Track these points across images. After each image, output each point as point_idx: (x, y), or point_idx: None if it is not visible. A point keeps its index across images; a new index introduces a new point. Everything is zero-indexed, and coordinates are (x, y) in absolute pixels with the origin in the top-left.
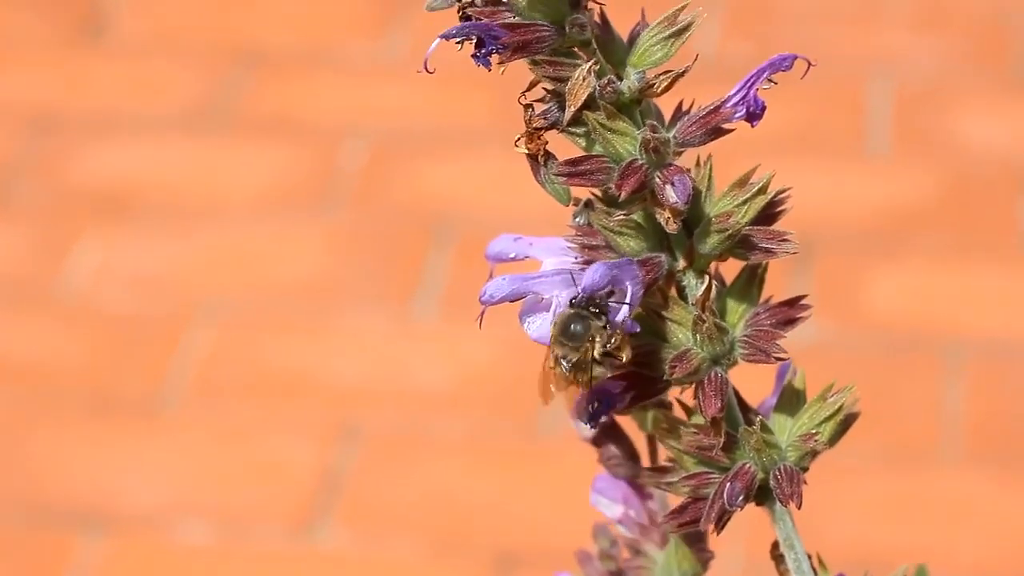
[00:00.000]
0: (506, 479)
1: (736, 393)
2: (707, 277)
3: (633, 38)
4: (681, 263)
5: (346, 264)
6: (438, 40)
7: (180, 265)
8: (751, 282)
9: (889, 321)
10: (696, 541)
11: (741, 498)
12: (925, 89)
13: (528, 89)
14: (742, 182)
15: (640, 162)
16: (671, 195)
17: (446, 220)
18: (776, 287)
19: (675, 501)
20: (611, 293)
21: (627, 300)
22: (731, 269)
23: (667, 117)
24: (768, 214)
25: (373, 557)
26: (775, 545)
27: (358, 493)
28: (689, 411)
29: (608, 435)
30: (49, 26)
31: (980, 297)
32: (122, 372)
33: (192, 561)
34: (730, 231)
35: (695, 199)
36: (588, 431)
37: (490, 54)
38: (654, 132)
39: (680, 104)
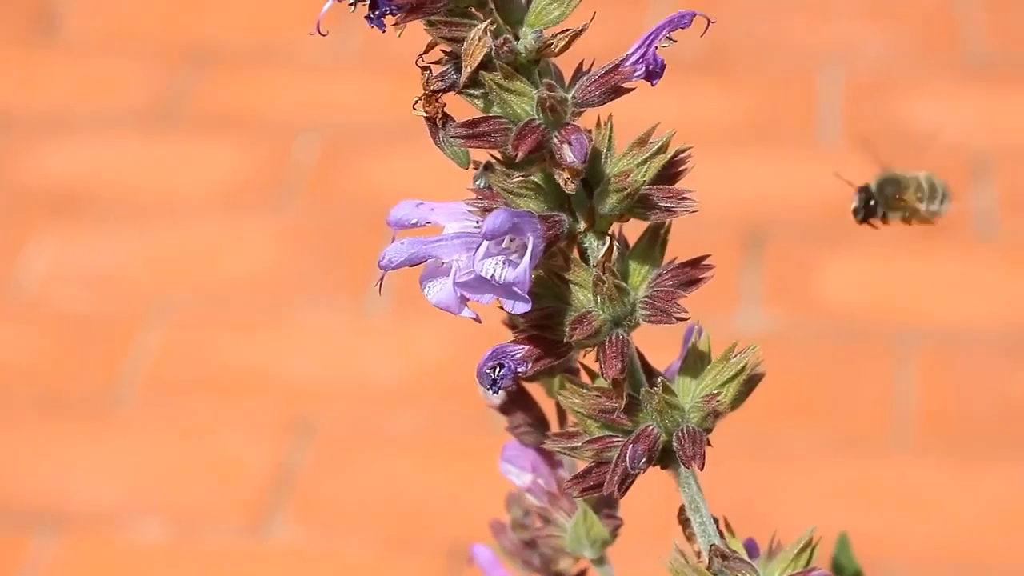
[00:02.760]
0: (458, 473)
1: (640, 356)
2: (608, 238)
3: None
4: (582, 225)
5: (299, 260)
6: (330, 2)
7: (133, 263)
8: (653, 243)
9: (840, 310)
10: (605, 507)
11: (643, 461)
12: (876, 78)
13: (425, 52)
14: (642, 141)
15: (537, 122)
16: (568, 154)
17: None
18: (727, 277)
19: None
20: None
21: (529, 252)
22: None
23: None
24: (669, 173)
25: (327, 552)
26: (681, 509)
27: (311, 489)
28: (593, 375)
29: (516, 403)
30: (1, 26)
31: (931, 285)
32: (75, 370)
33: (146, 559)
34: (628, 190)
35: (594, 159)
36: (496, 398)
37: (384, 15)
38: (551, 91)
39: (580, 64)
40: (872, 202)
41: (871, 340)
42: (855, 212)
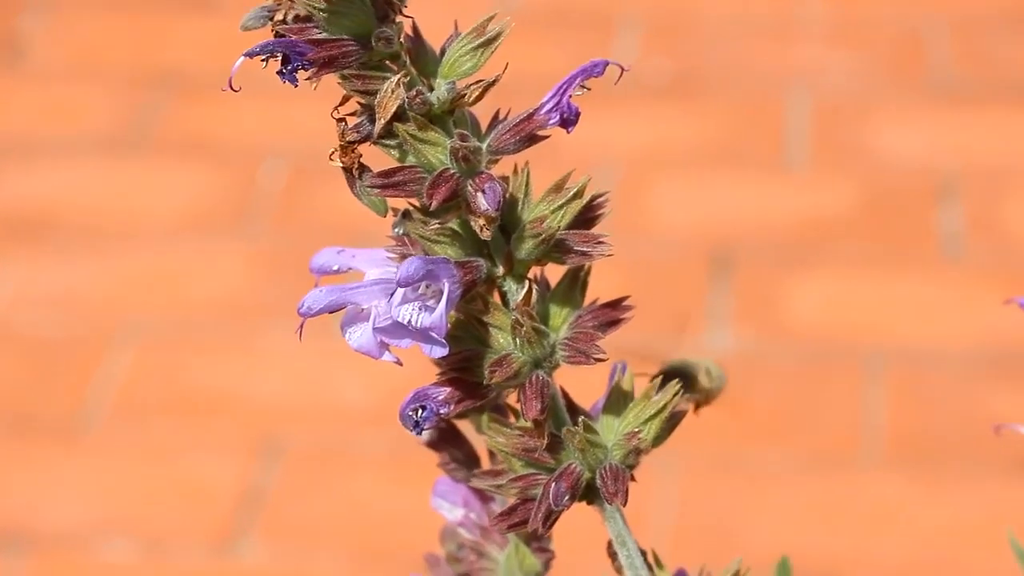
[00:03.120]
0: (427, 492)
1: (565, 395)
2: (527, 282)
3: (444, 50)
4: (501, 269)
5: (266, 283)
6: (242, 58)
7: (100, 287)
8: (573, 286)
9: (809, 330)
10: (535, 540)
11: (567, 498)
12: (842, 102)
13: (341, 104)
14: (558, 187)
15: (452, 171)
16: (482, 202)
17: (366, 238)
18: (696, 299)
19: None
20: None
21: (444, 298)
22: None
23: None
24: (586, 218)
25: (295, 572)
26: (609, 543)
27: (280, 509)
28: (518, 414)
29: (446, 440)
30: None
31: (899, 305)
32: (43, 394)
33: None
34: (543, 235)
35: (512, 205)
36: (425, 436)
37: (295, 70)
38: (464, 141)
39: (497, 112)
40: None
41: (840, 360)
42: None
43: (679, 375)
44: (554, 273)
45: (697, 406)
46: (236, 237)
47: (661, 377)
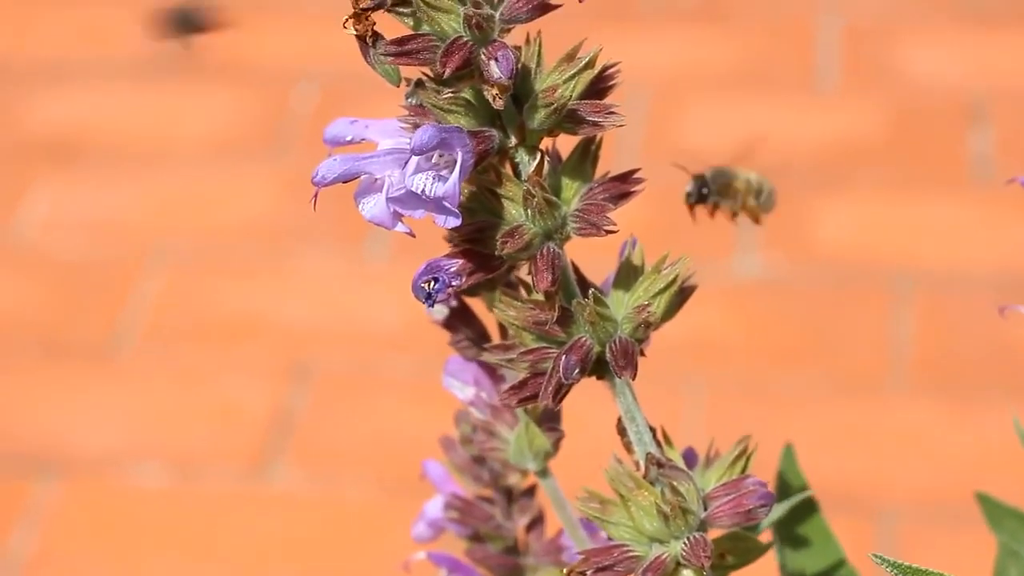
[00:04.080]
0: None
1: (575, 268)
2: (539, 153)
3: None
4: (513, 140)
5: (297, 207)
6: None
7: (131, 210)
8: (584, 158)
9: (838, 254)
10: (546, 420)
11: (577, 371)
12: (873, 23)
13: None
14: (570, 57)
15: (465, 39)
16: (495, 70)
17: None
18: (725, 223)
19: None
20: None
21: (458, 167)
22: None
23: None
24: (598, 88)
25: (326, 495)
26: (619, 420)
27: (310, 433)
28: (530, 289)
29: (458, 318)
30: None
31: (929, 229)
32: (75, 317)
33: (146, 503)
34: (555, 105)
35: (524, 76)
36: (438, 314)
37: None
38: (477, 8)
39: None
40: (704, 189)
41: (867, 284)
42: (688, 196)
43: (718, 178)
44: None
45: (733, 214)
46: (268, 161)
47: (696, 180)
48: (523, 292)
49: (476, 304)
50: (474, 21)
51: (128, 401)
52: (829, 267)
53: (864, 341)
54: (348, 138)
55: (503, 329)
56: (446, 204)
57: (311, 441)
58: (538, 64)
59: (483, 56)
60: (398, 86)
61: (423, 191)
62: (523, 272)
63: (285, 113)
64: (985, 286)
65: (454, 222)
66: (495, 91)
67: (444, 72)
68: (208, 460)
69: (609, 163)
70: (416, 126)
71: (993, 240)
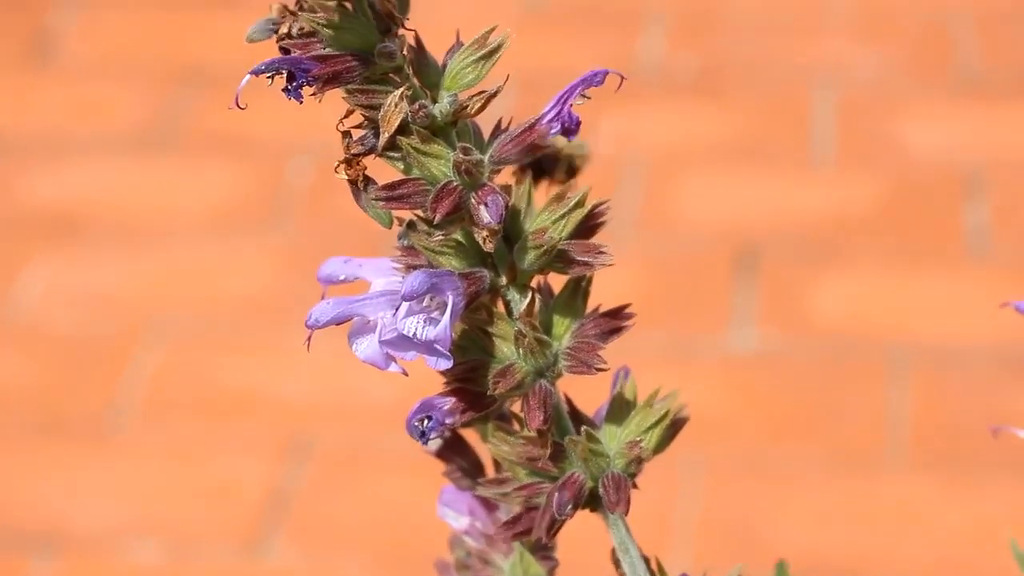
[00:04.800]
0: None
1: (569, 402)
2: (530, 292)
3: (446, 62)
4: (504, 279)
5: (294, 280)
6: (248, 76)
7: (129, 285)
8: (576, 294)
9: (835, 328)
10: (540, 548)
11: (570, 507)
12: (868, 97)
13: (345, 116)
14: (559, 197)
15: (455, 184)
16: (484, 215)
17: (394, 235)
18: (722, 296)
19: None
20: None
21: (449, 311)
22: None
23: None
24: (588, 227)
25: (322, 573)
26: (613, 551)
27: (307, 510)
28: (522, 422)
29: (451, 448)
30: None
31: (925, 303)
32: (72, 392)
33: None
34: (545, 247)
35: (514, 216)
36: (432, 445)
37: (300, 87)
38: (466, 154)
39: (499, 122)
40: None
41: (864, 358)
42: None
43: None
44: (557, 279)
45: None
46: (264, 234)
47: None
48: (515, 424)
49: (469, 432)
50: (463, 168)
51: (125, 477)
52: (825, 341)
53: (861, 416)
54: (342, 277)
55: (496, 460)
56: (437, 347)
57: (308, 518)
58: (528, 204)
59: (473, 201)
60: (389, 228)
61: (415, 334)
62: (515, 405)
63: (281, 187)
64: (983, 360)
65: (445, 364)
66: (485, 234)
67: (435, 217)
68: (204, 537)
69: (606, 236)
70: (408, 267)
71: (990, 314)
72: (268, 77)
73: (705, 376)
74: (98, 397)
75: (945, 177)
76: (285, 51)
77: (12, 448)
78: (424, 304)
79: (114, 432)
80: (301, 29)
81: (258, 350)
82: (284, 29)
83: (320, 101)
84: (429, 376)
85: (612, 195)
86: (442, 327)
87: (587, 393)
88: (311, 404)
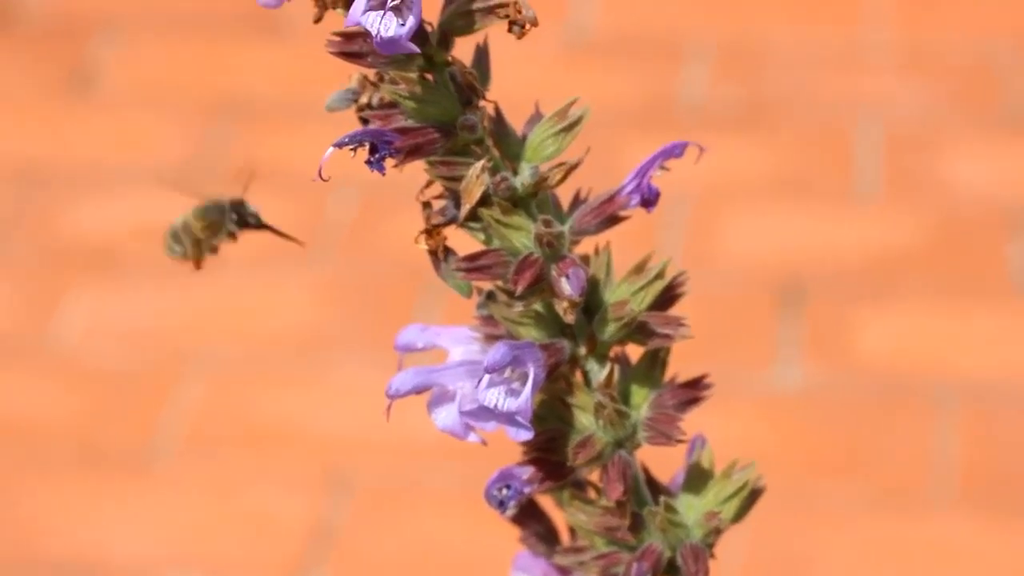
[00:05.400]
0: (499, 530)
1: (646, 471)
2: (609, 362)
3: (526, 133)
4: (583, 350)
5: (336, 314)
6: (331, 149)
7: (169, 318)
8: (653, 364)
9: (880, 364)
10: None
11: None
12: (913, 132)
13: (426, 187)
14: (639, 268)
15: (536, 256)
16: (566, 288)
17: (429, 271)
18: (766, 332)
19: None
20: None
21: (530, 382)
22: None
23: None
24: (667, 297)
25: None
26: None
27: (350, 545)
28: (599, 490)
29: (527, 514)
30: (36, 79)
31: (971, 340)
32: (112, 426)
33: None
34: (626, 319)
35: (593, 287)
36: (509, 510)
37: (383, 159)
38: (548, 227)
39: (577, 193)
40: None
41: (909, 395)
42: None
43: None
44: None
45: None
46: (306, 268)
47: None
48: (592, 492)
49: (544, 497)
50: (545, 240)
51: (165, 510)
52: (870, 378)
53: (907, 453)
54: (419, 345)
55: (573, 528)
56: (519, 419)
57: (351, 553)
58: (607, 274)
59: (554, 273)
60: (468, 298)
61: (496, 406)
62: (592, 471)
63: (323, 220)
64: None
65: (526, 435)
66: (566, 305)
67: (516, 289)
68: (246, 571)
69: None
70: (487, 337)
71: None
72: (351, 149)
73: (749, 413)
74: (139, 430)
75: (990, 213)
76: (364, 121)
77: (53, 480)
78: (505, 375)
79: (155, 465)
80: (381, 99)
81: (299, 384)
82: (364, 99)
83: (401, 171)
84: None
85: (654, 230)
86: (524, 399)
87: (660, 456)
88: (352, 438)
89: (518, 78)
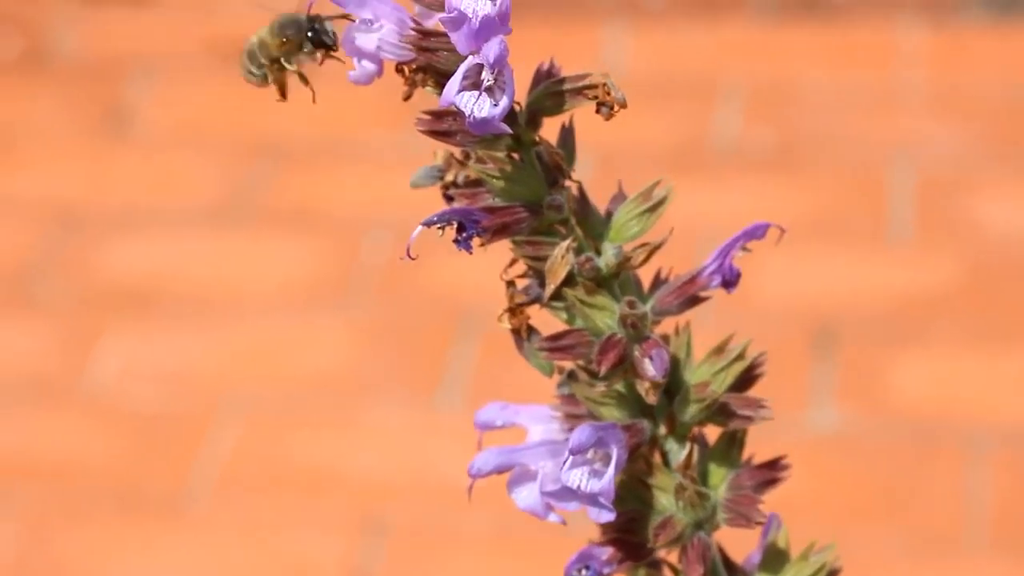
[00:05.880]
0: (534, 571)
1: (722, 552)
2: (688, 443)
3: (611, 213)
4: (663, 429)
5: (371, 357)
6: (420, 228)
7: (204, 360)
8: (732, 444)
9: (913, 408)
10: None
11: None
12: (946, 174)
13: (509, 266)
14: (719, 349)
15: (619, 336)
16: (650, 369)
17: (471, 311)
18: (800, 376)
19: None
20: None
21: (613, 463)
22: None
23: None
24: (747, 378)
25: None
26: None
27: None
28: (675, 570)
29: None
30: (73, 120)
31: (1006, 383)
32: (148, 468)
33: None
34: (708, 401)
35: (674, 366)
36: None
37: (471, 238)
38: (632, 308)
39: (658, 273)
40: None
41: (944, 439)
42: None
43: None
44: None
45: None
46: (339, 310)
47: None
48: (667, 570)
49: None
50: (629, 322)
51: (200, 554)
52: (905, 422)
53: (941, 498)
54: (499, 423)
55: None
56: (601, 500)
57: None
58: (687, 355)
59: (638, 353)
60: (550, 377)
61: (579, 487)
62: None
63: (357, 262)
64: None
65: (608, 516)
66: (649, 387)
67: (600, 370)
68: None
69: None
70: (568, 416)
71: None
72: (439, 228)
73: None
74: (174, 473)
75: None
76: (449, 199)
77: (88, 523)
78: (588, 456)
79: (190, 508)
80: (467, 178)
81: (333, 427)
82: (450, 177)
83: (486, 250)
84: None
85: (688, 271)
86: (607, 480)
87: (730, 533)
88: (387, 481)
89: (550, 117)
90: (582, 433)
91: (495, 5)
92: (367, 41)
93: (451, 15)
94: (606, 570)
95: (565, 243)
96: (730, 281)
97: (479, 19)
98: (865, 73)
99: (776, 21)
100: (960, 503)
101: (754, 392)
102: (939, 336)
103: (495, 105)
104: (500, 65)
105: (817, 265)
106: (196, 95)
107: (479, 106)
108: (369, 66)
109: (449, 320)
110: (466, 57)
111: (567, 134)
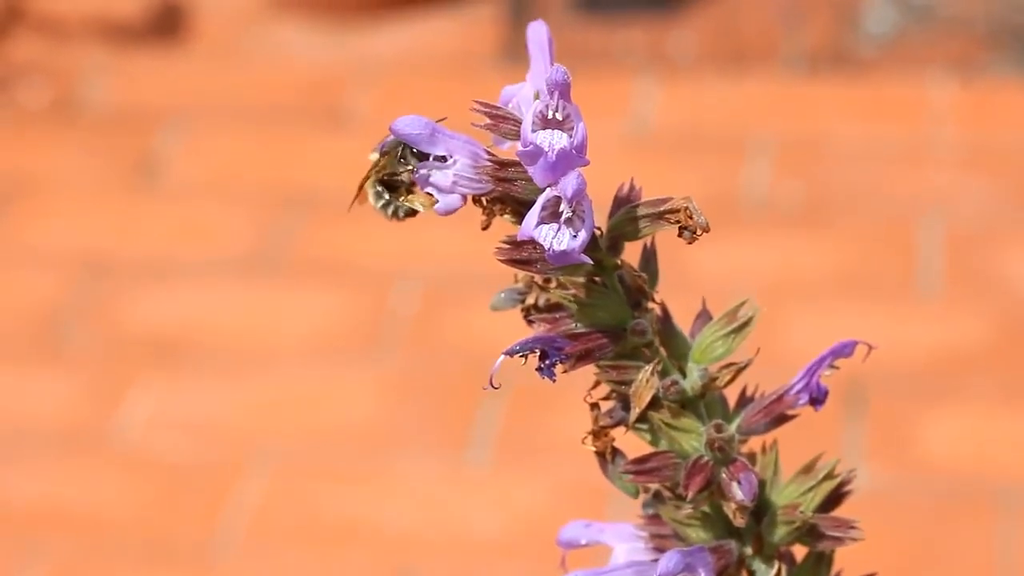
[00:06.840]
0: None
1: None
2: (776, 563)
3: (695, 333)
4: (750, 549)
5: (399, 409)
6: (502, 357)
7: (234, 410)
8: (819, 562)
9: (945, 466)
10: None
11: None
12: (976, 230)
13: (593, 387)
14: (808, 468)
15: (706, 459)
16: (738, 493)
17: (501, 365)
18: (831, 434)
19: None
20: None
21: None
22: None
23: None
24: (835, 496)
25: None
26: None
27: None
28: None
29: None
30: (102, 170)
31: None
32: (176, 519)
33: None
34: (797, 523)
35: (760, 486)
36: None
37: (554, 365)
38: (718, 431)
39: (743, 391)
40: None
41: (975, 497)
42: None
43: None
44: None
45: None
46: (368, 362)
47: None
48: None
49: None
50: (716, 445)
51: None
52: (935, 480)
53: (972, 557)
54: (583, 542)
55: None
56: None
57: None
58: (774, 473)
59: (724, 476)
60: (636, 498)
61: None
62: None
63: (386, 314)
64: None
65: None
66: (736, 509)
67: (687, 493)
68: None
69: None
70: (653, 536)
71: None
72: (521, 356)
73: None
74: (202, 524)
75: None
76: (530, 322)
77: (116, 574)
78: None
79: (218, 559)
80: (547, 301)
81: (362, 479)
82: (531, 300)
83: (567, 374)
84: (535, 510)
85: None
86: None
87: None
88: (415, 534)
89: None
90: (670, 560)
91: (571, 139)
92: (442, 178)
93: (527, 149)
94: None
95: (650, 367)
96: (817, 399)
97: (555, 153)
98: (894, 128)
99: (806, 76)
100: (991, 562)
101: (782, 448)
102: (970, 393)
103: (574, 237)
104: (579, 198)
105: (846, 321)
106: (226, 145)
107: (558, 239)
108: (452, 199)
109: (479, 373)
110: (544, 188)
111: (649, 256)
